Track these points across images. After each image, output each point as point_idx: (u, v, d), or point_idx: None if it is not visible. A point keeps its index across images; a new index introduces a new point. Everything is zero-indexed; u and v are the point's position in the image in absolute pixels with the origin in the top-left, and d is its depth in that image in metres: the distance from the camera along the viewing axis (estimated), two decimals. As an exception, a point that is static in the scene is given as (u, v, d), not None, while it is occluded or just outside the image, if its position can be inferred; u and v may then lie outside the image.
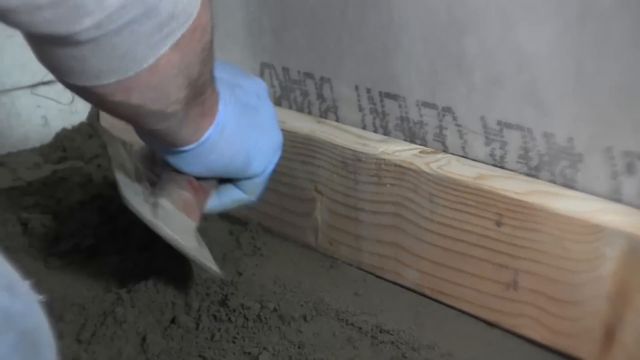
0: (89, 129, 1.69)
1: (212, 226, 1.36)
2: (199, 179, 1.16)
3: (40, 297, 0.78)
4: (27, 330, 0.77)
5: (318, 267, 1.26)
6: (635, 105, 0.99)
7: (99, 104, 1.03)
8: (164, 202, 1.10)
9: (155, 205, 1.10)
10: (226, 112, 1.12)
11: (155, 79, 0.98)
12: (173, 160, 1.13)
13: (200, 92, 1.07)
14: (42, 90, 1.63)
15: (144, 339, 1.09)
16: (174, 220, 1.09)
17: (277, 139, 1.20)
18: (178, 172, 1.14)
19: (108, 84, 0.95)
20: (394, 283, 1.20)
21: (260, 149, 1.18)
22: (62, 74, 0.96)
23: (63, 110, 1.67)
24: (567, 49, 1.03)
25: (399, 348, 1.04)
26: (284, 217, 1.34)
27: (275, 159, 1.20)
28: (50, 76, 1.56)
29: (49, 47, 0.92)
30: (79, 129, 1.69)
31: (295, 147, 1.29)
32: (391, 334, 1.07)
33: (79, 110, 1.69)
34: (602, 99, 1.02)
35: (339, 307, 1.12)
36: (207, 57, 1.05)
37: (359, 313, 1.12)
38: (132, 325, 1.11)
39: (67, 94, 1.66)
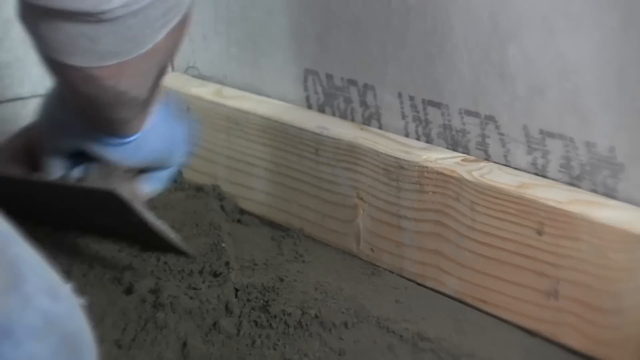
0: None
1: (253, 232, 1.38)
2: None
3: (81, 300, 0.80)
4: (68, 334, 0.77)
5: (359, 274, 1.27)
6: None
7: (85, 88, 1.05)
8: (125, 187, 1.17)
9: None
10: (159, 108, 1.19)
11: (146, 63, 1.03)
12: (114, 152, 1.17)
13: (161, 80, 1.14)
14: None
15: (184, 344, 1.09)
16: (143, 206, 1.18)
17: (184, 133, 1.27)
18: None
19: (109, 65, 0.98)
20: (435, 291, 1.20)
21: (177, 146, 1.26)
22: (65, 53, 0.98)
23: None
24: (609, 57, 1.04)
25: (439, 356, 1.04)
26: (325, 224, 1.34)
27: (183, 156, 1.29)
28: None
29: (61, 23, 0.95)
30: None
31: (338, 153, 1.30)
32: (432, 342, 1.07)
33: None
34: None
35: (380, 315, 1.13)
36: (174, 56, 1.15)
37: (400, 320, 1.12)
38: (172, 330, 1.11)
39: None
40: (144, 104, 1.14)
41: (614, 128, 1.05)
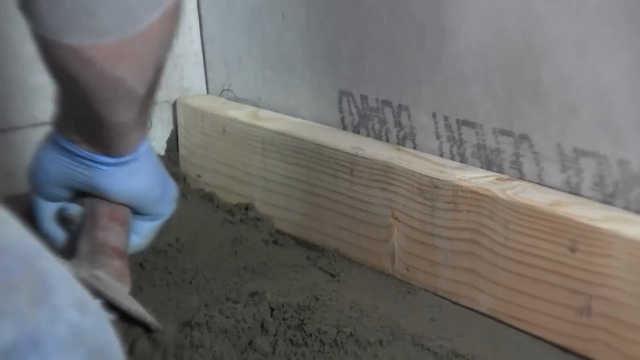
0: (166, 160, 1.67)
1: (289, 252, 1.39)
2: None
3: (110, 316, 0.81)
4: (96, 347, 0.77)
5: (394, 293, 1.27)
6: None
7: (82, 75, 1.04)
8: (100, 274, 1.10)
9: (93, 277, 1.08)
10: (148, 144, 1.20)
11: (142, 48, 1.04)
12: (106, 178, 1.16)
13: (154, 89, 1.14)
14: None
15: None
16: (111, 287, 1.09)
17: (174, 190, 1.28)
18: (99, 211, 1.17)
19: (105, 44, 1.00)
20: (470, 309, 1.21)
21: (168, 191, 1.25)
22: (61, 32, 0.99)
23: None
24: None
25: None
26: (360, 243, 1.35)
27: (171, 206, 1.27)
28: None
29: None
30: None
31: (373, 174, 1.30)
32: (466, 359, 1.08)
33: (157, 137, 1.69)
34: None
35: (415, 332, 1.13)
36: (168, 53, 1.11)
37: (435, 338, 1.12)
38: (208, 349, 1.12)
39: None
40: (140, 107, 1.13)
41: None
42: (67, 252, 1.19)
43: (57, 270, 0.79)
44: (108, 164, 1.16)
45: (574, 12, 1.09)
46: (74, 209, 1.19)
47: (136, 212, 1.22)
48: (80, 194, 1.19)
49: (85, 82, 1.06)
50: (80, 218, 1.19)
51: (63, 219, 1.19)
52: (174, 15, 1.06)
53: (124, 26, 1.00)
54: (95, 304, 0.81)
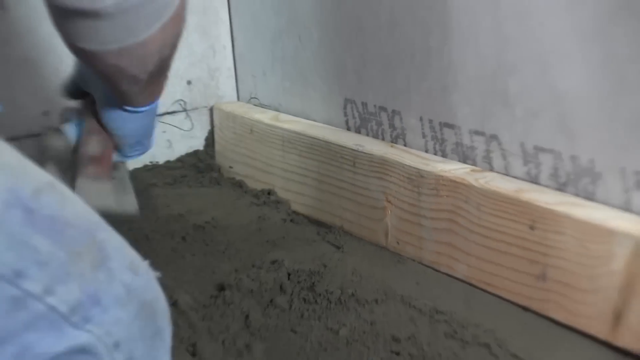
0: (204, 154, 1.69)
1: (302, 228, 1.39)
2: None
3: (157, 274, 0.81)
4: (146, 301, 0.78)
5: (387, 262, 1.27)
6: None
7: (95, 63, 1.05)
8: (79, 183, 1.12)
9: (75, 188, 1.11)
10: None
11: (142, 51, 1.01)
12: (119, 119, 1.17)
13: (162, 73, 1.12)
14: (167, 119, 1.63)
15: (247, 317, 1.11)
16: (91, 190, 1.10)
17: (148, 147, 1.25)
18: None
19: (110, 49, 0.98)
20: (448, 275, 1.21)
21: (144, 143, 1.23)
22: (77, 39, 0.99)
23: (184, 136, 1.67)
24: (592, 88, 1.04)
25: (451, 326, 1.06)
26: (360, 222, 1.35)
27: (135, 157, 1.25)
28: (173, 107, 1.59)
29: (72, 18, 0.95)
30: (195, 154, 1.70)
31: (372, 165, 1.31)
32: (445, 315, 1.09)
33: (197, 136, 1.69)
34: (619, 129, 1.02)
35: (404, 293, 1.14)
36: (173, 50, 1.09)
37: (420, 298, 1.13)
38: (237, 305, 1.13)
39: (187, 123, 1.66)
40: (145, 84, 1.12)
41: (594, 144, 1.05)
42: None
43: (113, 239, 0.80)
44: (122, 111, 1.15)
45: (538, 34, 1.09)
46: (70, 113, 1.20)
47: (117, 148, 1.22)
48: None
49: (97, 68, 1.07)
50: (74, 122, 1.20)
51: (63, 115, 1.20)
52: (175, 23, 1.04)
53: (124, 39, 0.99)
54: (145, 265, 0.81)
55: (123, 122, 1.18)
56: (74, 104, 1.20)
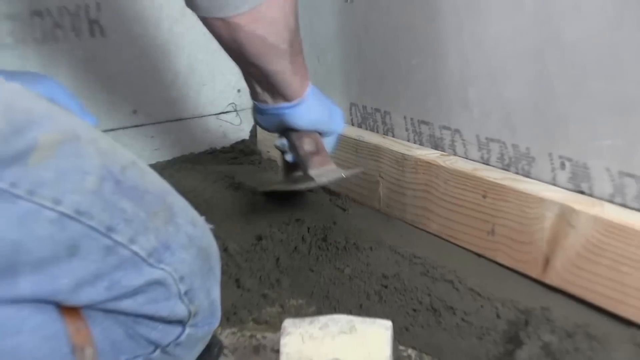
0: (250, 142, 1.64)
1: (319, 196, 1.36)
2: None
3: (211, 226, 0.79)
4: (202, 247, 0.77)
5: (380, 221, 1.26)
6: (567, 128, 1.00)
7: (234, 37, 0.97)
8: (313, 171, 1.10)
9: (310, 176, 1.10)
10: (311, 85, 1.10)
11: (270, 13, 0.94)
12: (291, 116, 1.10)
13: (297, 48, 1.03)
14: (223, 116, 1.60)
15: (277, 260, 1.11)
16: (324, 173, 1.09)
17: (340, 112, 1.19)
18: (298, 141, 1.12)
19: (243, 13, 0.92)
20: (424, 230, 1.21)
21: (335, 115, 1.16)
22: (214, 10, 0.93)
23: (235, 129, 1.63)
24: (527, 96, 1.04)
25: (425, 267, 1.06)
26: (362, 192, 1.33)
27: (342, 124, 1.18)
28: (227, 108, 1.54)
29: None
30: (243, 142, 1.64)
31: (370, 151, 1.30)
32: (421, 259, 1.08)
33: (244, 129, 1.64)
34: (546, 125, 1.02)
35: (391, 243, 1.14)
36: (297, 23, 1.00)
37: (403, 246, 1.12)
38: (271, 251, 1.13)
39: (237, 119, 1.62)
40: (289, 57, 1.03)
41: (530, 136, 1.06)
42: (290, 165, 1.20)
43: (179, 201, 0.79)
44: (288, 107, 1.09)
45: (489, 56, 1.09)
46: (280, 142, 1.18)
47: (320, 134, 1.15)
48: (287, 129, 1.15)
49: (239, 43, 0.99)
50: (286, 146, 1.17)
51: (277, 148, 1.20)
52: None
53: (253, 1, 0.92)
54: (202, 220, 0.79)
55: (302, 116, 1.10)
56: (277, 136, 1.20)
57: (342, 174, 1.09)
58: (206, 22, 0.97)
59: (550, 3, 0.98)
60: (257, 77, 1.08)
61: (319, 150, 1.13)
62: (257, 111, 1.15)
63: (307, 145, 1.12)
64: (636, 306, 0.89)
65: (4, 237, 0.63)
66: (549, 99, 1.02)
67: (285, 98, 1.08)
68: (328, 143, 1.16)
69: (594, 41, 0.94)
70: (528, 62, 1.03)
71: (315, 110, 1.11)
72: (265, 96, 1.10)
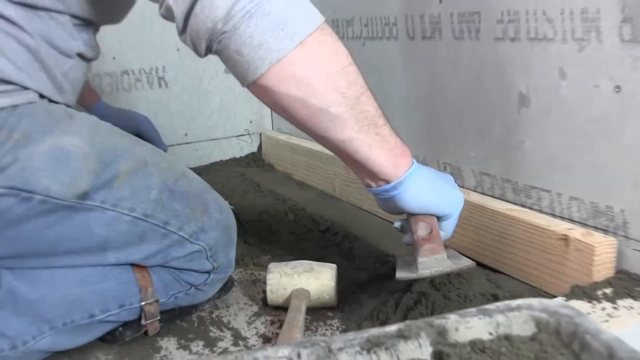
0: (257, 154, 1.56)
1: (303, 189, 1.30)
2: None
3: (232, 207, 0.80)
4: (226, 226, 0.76)
5: (335, 203, 1.21)
6: (448, 145, 0.96)
7: (271, 100, 0.58)
8: (420, 260, 0.65)
9: (416, 264, 0.64)
10: (419, 166, 0.66)
11: (298, 70, 0.55)
12: (397, 200, 0.65)
13: (366, 116, 0.59)
14: (240, 138, 1.55)
15: (271, 226, 1.07)
16: (431, 263, 0.64)
17: (458, 196, 0.70)
18: (415, 223, 0.68)
19: (264, 73, 0.55)
20: (361, 208, 1.15)
21: (447, 195, 0.68)
22: (243, 79, 0.57)
23: (248, 145, 1.56)
24: (425, 124, 0.99)
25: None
26: (326, 185, 1.28)
27: (459, 207, 0.69)
28: (243, 132, 1.46)
29: (225, 58, 0.56)
30: (253, 153, 1.57)
31: (329, 160, 1.23)
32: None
33: (254, 146, 1.57)
34: (437, 143, 0.98)
35: (342, 219, 1.09)
36: (353, 86, 0.57)
37: (349, 222, 1.08)
38: (267, 221, 1.09)
39: (249, 139, 1.56)
40: (352, 124, 0.59)
41: (425, 149, 1.01)
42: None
43: (213, 196, 0.77)
44: (387, 190, 0.65)
45: (401, 99, 1.04)
46: (399, 223, 0.71)
47: (438, 218, 0.69)
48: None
49: (281, 107, 0.58)
50: (405, 228, 0.71)
51: (396, 229, 0.72)
52: (322, 45, 0.56)
53: (267, 57, 0.54)
54: (227, 205, 0.78)
55: (409, 200, 0.65)
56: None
57: (449, 268, 0.66)
58: (251, 90, 0.60)
59: (435, 66, 0.95)
60: (335, 152, 0.64)
61: (431, 236, 0.68)
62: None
63: (420, 230, 0.69)
64: (488, 255, 0.87)
65: (98, 234, 0.66)
66: (437, 126, 0.99)
67: (384, 179, 0.64)
68: (446, 227, 0.70)
69: (463, 91, 0.92)
70: (424, 103, 1.01)
71: (421, 193, 0.65)
72: (364, 179, 0.67)
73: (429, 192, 0.66)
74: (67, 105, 0.68)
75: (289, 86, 0.56)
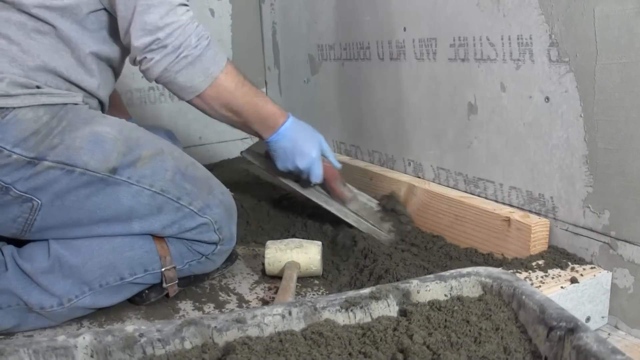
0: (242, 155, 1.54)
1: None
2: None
3: (233, 194, 0.77)
4: (227, 205, 0.74)
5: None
6: (411, 145, 0.93)
7: (209, 107, 0.71)
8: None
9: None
10: (290, 124, 0.76)
11: (210, 97, 0.69)
12: (270, 146, 0.77)
13: (240, 120, 0.72)
14: (244, 140, 1.49)
15: (268, 211, 1.03)
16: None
17: (318, 138, 0.78)
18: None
19: (197, 96, 0.69)
20: None
21: (312, 140, 0.78)
22: (184, 95, 0.70)
23: (249, 143, 1.44)
24: (393, 129, 0.97)
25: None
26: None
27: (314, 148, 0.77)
28: (247, 136, 1.39)
29: (168, 87, 0.68)
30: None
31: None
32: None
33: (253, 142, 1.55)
34: (403, 144, 0.95)
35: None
36: (245, 95, 0.70)
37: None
38: (264, 207, 1.04)
39: (250, 142, 1.48)
40: (245, 122, 0.74)
41: (393, 149, 0.99)
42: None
43: (215, 182, 0.75)
44: (270, 140, 0.74)
45: (375, 108, 1.02)
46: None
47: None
48: None
49: (214, 110, 0.72)
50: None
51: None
52: (215, 90, 0.69)
53: (195, 88, 0.68)
54: (227, 190, 0.75)
55: (278, 149, 0.77)
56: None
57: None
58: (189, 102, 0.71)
59: (401, 82, 0.94)
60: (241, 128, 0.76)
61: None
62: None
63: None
64: (445, 234, 0.84)
65: (125, 204, 0.67)
66: (403, 131, 0.97)
67: (264, 135, 0.77)
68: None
69: (423, 101, 0.91)
70: (392, 112, 0.99)
71: (288, 139, 0.77)
72: (264, 134, 0.78)
73: (293, 139, 0.76)
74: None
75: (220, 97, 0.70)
